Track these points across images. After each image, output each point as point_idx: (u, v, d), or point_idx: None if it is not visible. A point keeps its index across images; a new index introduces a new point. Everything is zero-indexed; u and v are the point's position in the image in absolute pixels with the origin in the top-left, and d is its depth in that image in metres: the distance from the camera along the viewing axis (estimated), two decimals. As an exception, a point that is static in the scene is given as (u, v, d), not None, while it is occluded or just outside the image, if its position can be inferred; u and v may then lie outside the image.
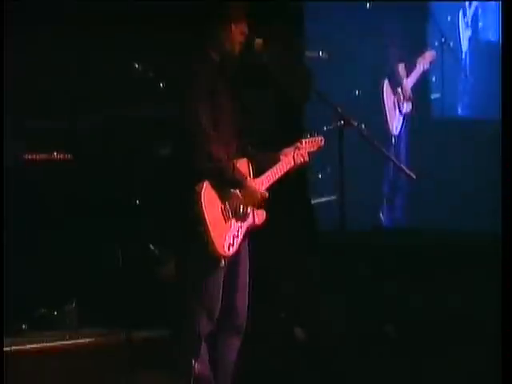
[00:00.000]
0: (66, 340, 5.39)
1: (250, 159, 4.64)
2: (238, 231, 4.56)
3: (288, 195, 5.77)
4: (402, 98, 5.90)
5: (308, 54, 5.76)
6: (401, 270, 6.14)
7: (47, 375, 4.87)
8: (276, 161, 4.78)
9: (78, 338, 5.45)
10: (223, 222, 4.47)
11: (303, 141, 4.91)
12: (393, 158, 5.38)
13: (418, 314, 5.69)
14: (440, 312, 5.68)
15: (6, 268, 5.50)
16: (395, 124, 5.87)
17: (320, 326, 5.61)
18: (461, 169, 5.92)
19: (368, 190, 6.18)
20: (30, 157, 5.87)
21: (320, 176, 5.80)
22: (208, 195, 4.42)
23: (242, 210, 4.61)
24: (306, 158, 4.87)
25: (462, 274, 5.97)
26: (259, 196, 4.58)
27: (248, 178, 4.61)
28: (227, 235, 4.48)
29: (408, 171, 5.08)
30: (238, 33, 4.65)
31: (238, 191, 4.55)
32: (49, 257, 5.77)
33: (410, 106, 5.93)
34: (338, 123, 4.83)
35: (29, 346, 5.24)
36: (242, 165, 4.63)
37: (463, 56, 5.79)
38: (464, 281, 5.95)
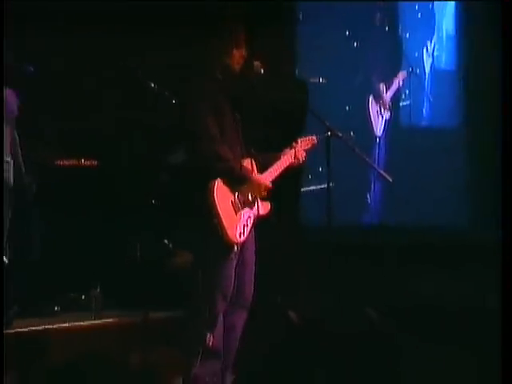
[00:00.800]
0: (92, 320, 5.50)
1: (254, 159, 4.74)
2: (247, 221, 4.64)
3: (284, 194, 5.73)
4: (382, 107, 6.68)
5: (311, 79, 5.98)
6: (377, 260, 6.29)
7: (75, 350, 4.93)
8: (277, 159, 4.88)
9: (102, 319, 5.56)
10: (234, 213, 4.56)
11: (298, 140, 5.00)
12: (372, 163, 5.88)
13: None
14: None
15: (44, 260, 5.72)
16: (379, 127, 6.70)
17: (310, 310, 5.67)
18: (426, 168, 6.87)
19: (351, 189, 6.78)
20: (65, 162, 6.02)
21: (320, 169, 6.03)
22: (220, 191, 4.50)
23: (250, 200, 4.69)
24: (304, 155, 4.97)
25: (427, 263, 6.14)
26: (264, 186, 4.67)
27: (253, 172, 4.70)
28: (238, 225, 4.56)
29: (385, 175, 5.22)
30: (238, 56, 4.75)
31: (245, 185, 4.63)
32: (78, 250, 5.91)
33: (389, 114, 6.76)
34: (326, 134, 4.95)
35: (61, 325, 5.32)
36: (248, 163, 4.72)
37: (426, 79, 6.89)
38: (431, 269, 6.07)
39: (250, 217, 4.66)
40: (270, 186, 4.70)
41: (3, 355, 4.15)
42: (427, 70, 6.82)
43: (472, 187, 6.97)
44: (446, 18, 6.83)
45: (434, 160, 6.77)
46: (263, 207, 4.75)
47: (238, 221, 4.59)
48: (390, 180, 5.24)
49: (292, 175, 5.17)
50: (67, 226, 5.90)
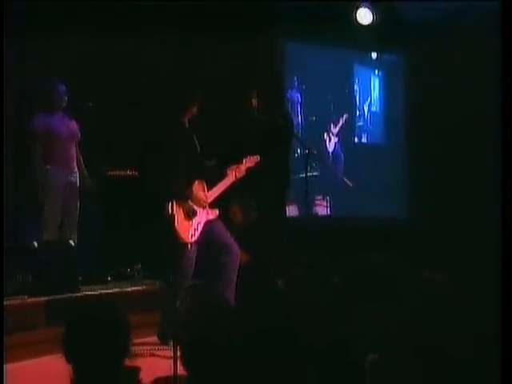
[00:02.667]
0: (134, 287, 5.72)
1: (205, 180, 5.03)
2: (197, 226, 4.98)
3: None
4: (332, 136, 7.69)
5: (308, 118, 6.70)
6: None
7: (122, 308, 5.13)
8: (224, 176, 5.07)
9: (141, 286, 5.77)
10: (187, 222, 4.92)
11: (244, 160, 5.14)
12: (338, 173, 5.98)
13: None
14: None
15: (101, 243, 5.86)
16: (330, 147, 7.65)
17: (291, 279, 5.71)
18: (365, 172, 7.68)
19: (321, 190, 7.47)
20: (115, 172, 6.23)
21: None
22: (177, 206, 4.83)
23: (196, 210, 4.94)
24: (244, 173, 5.09)
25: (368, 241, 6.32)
26: (203, 201, 4.97)
27: (199, 194, 4.97)
28: (190, 229, 4.93)
29: (347, 181, 5.36)
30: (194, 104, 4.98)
31: (191, 200, 4.92)
32: (125, 237, 6.13)
33: (337, 139, 7.65)
34: (304, 151, 5.25)
35: (112, 290, 5.56)
36: (200, 186, 5.01)
37: (366, 118, 7.98)
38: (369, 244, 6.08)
39: (199, 222, 4.99)
40: (208, 200, 5.00)
41: (3, 354, 3.79)
42: (366, 113, 8.04)
43: (397, 184, 7.86)
44: (375, 91, 8.13)
45: (370, 167, 7.79)
46: (212, 213, 5.06)
47: (190, 227, 4.92)
48: (351, 185, 5.40)
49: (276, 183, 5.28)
50: (118, 218, 6.19)
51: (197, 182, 4.96)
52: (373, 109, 8.10)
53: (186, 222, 4.86)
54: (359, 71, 8.01)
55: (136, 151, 6.16)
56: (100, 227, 5.98)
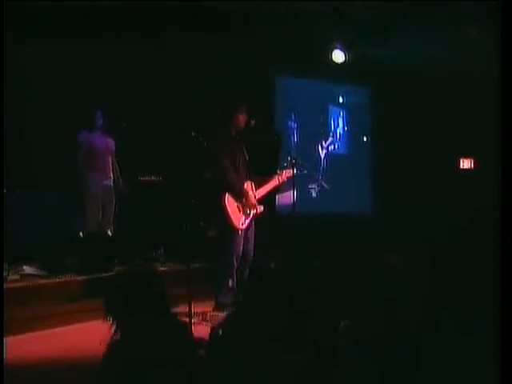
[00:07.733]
0: (159, 268, 5.58)
1: (253, 182, 5.11)
2: (246, 217, 5.07)
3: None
4: (322, 147, 7.84)
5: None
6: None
7: (148, 283, 5.06)
8: (269, 181, 5.19)
9: (164, 267, 5.71)
10: (238, 212, 4.99)
11: (283, 171, 5.26)
12: (317, 178, 5.92)
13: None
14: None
15: (133, 233, 5.83)
16: (322, 154, 7.73)
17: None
18: (343, 175, 7.87)
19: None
20: (142, 178, 6.22)
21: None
22: (229, 199, 4.91)
23: (248, 208, 4.97)
24: (285, 180, 5.14)
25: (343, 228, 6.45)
26: (253, 205, 5.01)
27: (249, 192, 5.01)
28: (241, 219, 5.00)
29: (324, 184, 5.29)
30: (242, 120, 5.06)
31: (244, 200, 4.93)
32: (152, 228, 6.06)
33: (326, 151, 7.78)
34: (292, 161, 5.17)
35: (142, 271, 5.28)
36: (248, 184, 5.09)
37: (341, 138, 8.01)
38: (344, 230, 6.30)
39: (249, 214, 5.11)
40: (257, 205, 4.99)
41: (3, 354, 3.42)
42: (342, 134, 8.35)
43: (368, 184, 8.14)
44: (357, 118, 8.53)
45: (346, 171, 7.88)
46: (260, 209, 5.09)
47: (241, 217, 5.03)
48: (327, 187, 5.37)
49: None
50: (145, 214, 6.19)
51: (246, 182, 5.00)
52: (347, 132, 8.44)
53: (237, 213, 4.85)
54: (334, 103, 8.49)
55: (161, 161, 6.28)
56: (131, 221, 5.95)
